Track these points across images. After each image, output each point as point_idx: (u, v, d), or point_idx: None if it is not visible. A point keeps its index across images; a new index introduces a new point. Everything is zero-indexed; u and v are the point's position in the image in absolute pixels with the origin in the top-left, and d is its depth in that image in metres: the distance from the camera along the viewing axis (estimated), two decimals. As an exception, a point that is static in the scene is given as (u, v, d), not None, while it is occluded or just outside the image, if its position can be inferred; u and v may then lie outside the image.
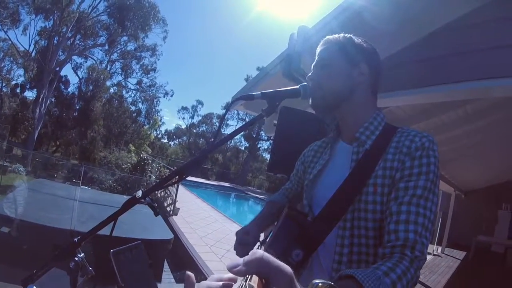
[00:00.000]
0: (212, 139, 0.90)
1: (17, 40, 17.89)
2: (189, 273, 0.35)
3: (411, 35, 2.17)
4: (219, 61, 62.63)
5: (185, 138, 37.97)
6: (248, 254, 0.34)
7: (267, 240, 0.91)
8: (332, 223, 0.83)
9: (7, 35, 16.94)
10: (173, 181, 0.81)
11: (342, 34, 0.93)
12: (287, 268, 0.30)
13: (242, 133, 32.58)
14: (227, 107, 0.83)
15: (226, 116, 32.87)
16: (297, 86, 0.81)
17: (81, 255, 0.88)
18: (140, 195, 0.75)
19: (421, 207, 0.72)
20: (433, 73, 2.03)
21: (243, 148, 35.98)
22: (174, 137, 38.84)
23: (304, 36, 2.10)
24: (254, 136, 31.40)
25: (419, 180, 0.75)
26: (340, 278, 0.61)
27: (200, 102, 35.94)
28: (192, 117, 36.25)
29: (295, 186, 1.17)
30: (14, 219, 3.01)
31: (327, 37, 0.95)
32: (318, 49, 0.95)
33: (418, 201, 0.72)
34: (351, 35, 0.93)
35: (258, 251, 0.30)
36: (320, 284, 0.38)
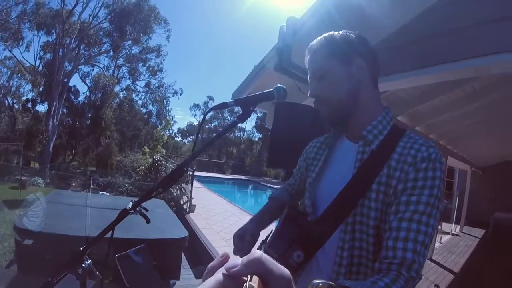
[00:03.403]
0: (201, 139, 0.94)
1: (22, 56, 17.94)
2: (226, 252, 0.35)
3: (406, 14, 2.11)
4: (225, 55, 62.12)
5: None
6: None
7: (267, 240, 0.91)
8: (335, 226, 0.81)
9: (12, 53, 17.17)
10: (159, 191, 0.85)
11: (322, 36, 0.87)
12: (285, 270, 0.30)
13: (254, 124, 32.66)
14: (203, 116, 0.86)
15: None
16: (271, 89, 0.82)
17: (88, 262, 0.95)
18: (130, 207, 0.80)
19: (422, 224, 0.70)
20: (431, 53, 1.99)
21: (256, 139, 36.12)
22: (188, 134, 39.18)
23: (293, 27, 2.07)
24: (266, 126, 31.14)
25: (422, 195, 0.72)
26: None
27: (211, 98, 35.32)
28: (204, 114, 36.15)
29: (298, 182, 1.15)
30: (34, 231, 3.17)
31: (310, 45, 0.89)
32: (306, 62, 0.90)
33: (420, 218, 0.70)
34: (332, 33, 0.87)
35: (256, 252, 0.30)
36: (320, 284, 0.38)
